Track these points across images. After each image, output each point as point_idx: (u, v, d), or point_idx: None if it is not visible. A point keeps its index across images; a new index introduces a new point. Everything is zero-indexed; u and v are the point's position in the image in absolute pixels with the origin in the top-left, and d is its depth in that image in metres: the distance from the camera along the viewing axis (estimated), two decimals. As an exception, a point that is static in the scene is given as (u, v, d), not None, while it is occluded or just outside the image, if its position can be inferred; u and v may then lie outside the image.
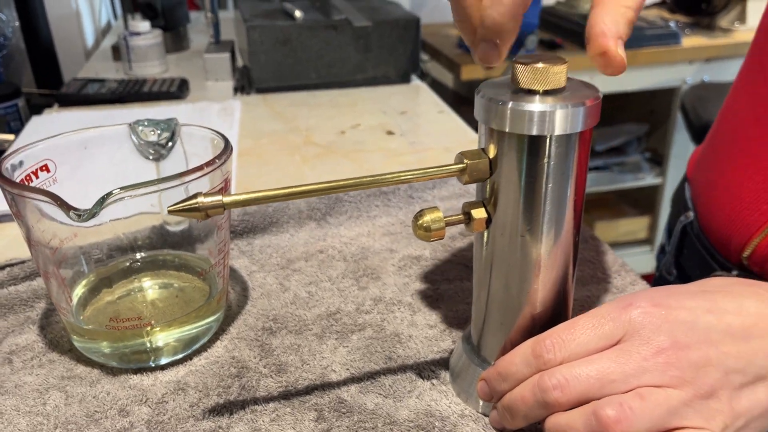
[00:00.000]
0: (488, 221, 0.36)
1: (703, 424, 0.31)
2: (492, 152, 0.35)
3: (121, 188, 0.37)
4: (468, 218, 0.36)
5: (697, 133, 1.59)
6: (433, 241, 0.36)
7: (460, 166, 0.35)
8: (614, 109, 2.18)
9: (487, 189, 0.36)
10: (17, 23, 1.23)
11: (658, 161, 2.03)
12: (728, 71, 1.85)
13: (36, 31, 1.25)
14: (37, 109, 1.03)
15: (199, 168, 0.40)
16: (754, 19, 1.90)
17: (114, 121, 0.49)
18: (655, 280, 0.68)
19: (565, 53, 1.74)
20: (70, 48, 1.37)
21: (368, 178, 0.34)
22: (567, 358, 0.33)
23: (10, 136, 0.87)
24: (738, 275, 0.51)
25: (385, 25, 1.04)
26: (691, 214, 0.58)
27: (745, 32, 1.86)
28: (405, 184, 0.35)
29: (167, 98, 1.01)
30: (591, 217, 2.08)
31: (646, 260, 2.04)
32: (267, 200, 0.32)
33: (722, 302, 0.34)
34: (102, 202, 0.36)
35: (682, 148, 1.92)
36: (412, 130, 0.88)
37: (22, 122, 1.04)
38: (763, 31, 0.52)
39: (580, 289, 0.51)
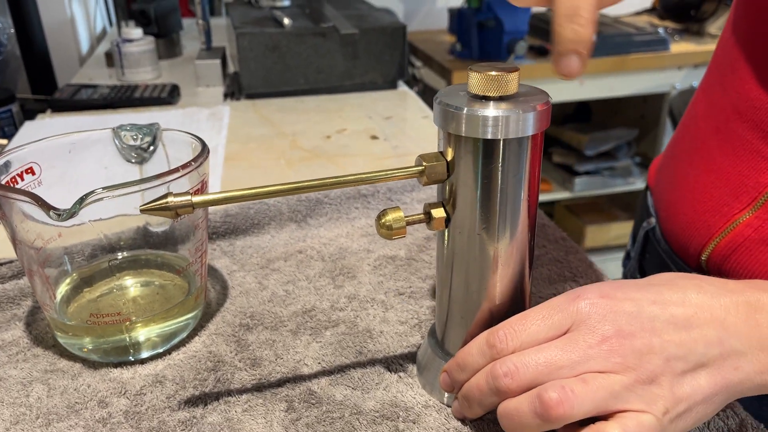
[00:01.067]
0: (447, 220, 0.38)
1: (644, 407, 0.33)
2: (449, 155, 0.37)
3: (101, 188, 0.39)
4: (428, 217, 0.38)
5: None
6: (395, 239, 0.38)
7: (419, 168, 0.37)
8: (605, 114, 2.21)
9: (446, 190, 0.38)
10: (12, 30, 1.25)
11: (648, 165, 2.05)
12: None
13: (31, 38, 1.27)
14: (31, 114, 1.06)
15: (176, 170, 0.42)
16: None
17: (105, 126, 0.51)
18: None
19: (554, 59, 1.76)
20: (65, 54, 1.39)
21: (332, 179, 0.36)
22: (518, 347, 0.35)
23: (3, 141, 0.89)
24: None
25: (372, 33, 1.07)
26: (653, 220, 0.60)
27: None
28: (368, 184, 0.37)
29: (158, 104, 1.03)
30: (582, 221, 2.10)
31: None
32: (234, 200, 0.34)
33: (667, 294, 0.36)
34: (81, 201, 0.38)
35: (671, 153, 1.94)
36: (395, 135, 0.90)
37: (16, 127, 1.06)
38: (722, 45, 0.54)
39: (547, 286, 0.53)
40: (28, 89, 1.27)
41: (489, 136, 0.35)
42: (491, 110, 0.35)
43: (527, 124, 0.35)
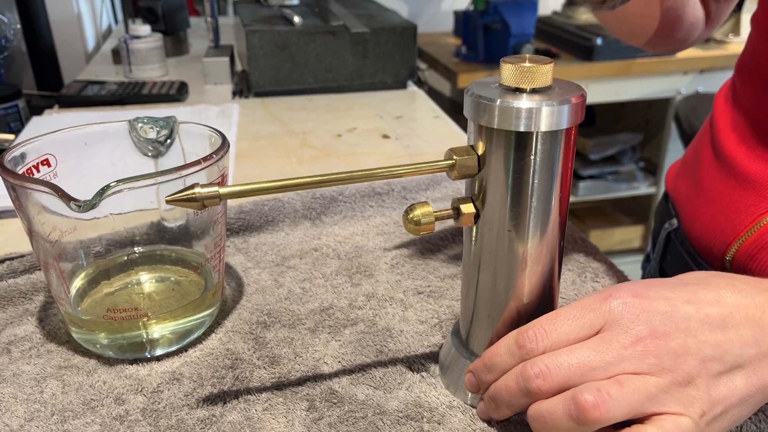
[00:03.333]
0: (476, 216, 0.37)
1: (680, 410, 0.32)
2: (480, 149, 0.36)
3: (120, 180, 0.38)
4: (457, 213, 0.38)
5: (690, 143, 1.61)
6: (422, 234, 0.37)
7: (450, 162, 0.36)
8: (610, 118, 2.20)
9: (476, 185, 0.37)
10: (19, 26, 1.24)
11: (653, 170, 2.05)
12: (722, 82, 1.87)
13: (37, 34, 1.27)
14: (37, 110, 1.05)
15: (197, 162, 0.41)
16: (747, 31, 1.93)
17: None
18: None
19: (561, 63, 1.76)
20: (71, 51, 1.38)
21: (360, 172, 0.35)
22: (549, 347, 0.34)
23: (11, 136, 0.88)
24: None
25: (382, 32, 1.06)
26: (675, 221, 0.60)
27: (739, 44, 1.88)
28: (396, 178, 0.36)
29: (166, 101, 1.03)
30: (586, 226, 2.09)
31: (640, 268, 2.05)
32: (262, 191, 0.33)
33: (701, 293, 0.35)
34: (101, 193, 0.37)
35: (675, 158, 1.93)
36: (407, 134, 0.89)
37: (23, 123, 1.05)
38: (745, 54, 0.54)
39: (568, 287, 0.52)
40: (34, 85, 1.26)
41: (522, 129, 0.34)
42: (525, 102, 0.34)
43: (562, 116, 0.34)
